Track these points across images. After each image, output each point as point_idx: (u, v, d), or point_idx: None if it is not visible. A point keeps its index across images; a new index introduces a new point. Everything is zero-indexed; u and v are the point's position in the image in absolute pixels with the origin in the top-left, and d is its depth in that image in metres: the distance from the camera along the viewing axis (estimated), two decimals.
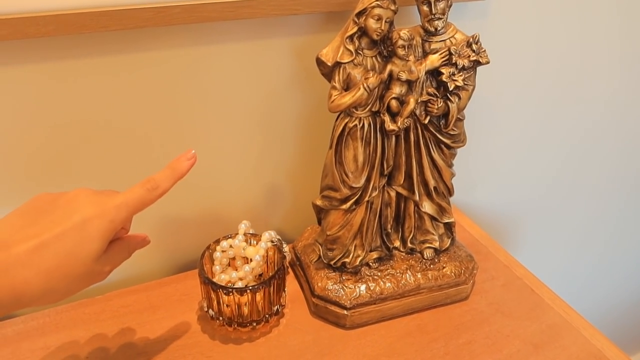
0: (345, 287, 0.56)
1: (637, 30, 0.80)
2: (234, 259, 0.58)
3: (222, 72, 0.57)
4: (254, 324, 0.54)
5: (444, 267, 0.59)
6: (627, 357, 0.54)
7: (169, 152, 0.59)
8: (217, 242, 0.57)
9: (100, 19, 0.46)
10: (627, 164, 0.99)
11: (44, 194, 0.41)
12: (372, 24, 0.47)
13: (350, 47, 0.48)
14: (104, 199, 0.40)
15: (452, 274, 0.59)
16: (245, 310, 0.53)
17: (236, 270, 0.57)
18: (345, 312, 0.55)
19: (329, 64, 0.48)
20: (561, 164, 0.90)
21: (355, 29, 0.47)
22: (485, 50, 0.50)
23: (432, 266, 0.59)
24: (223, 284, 0.54)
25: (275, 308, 0.56)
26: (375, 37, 0.47)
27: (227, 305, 0.53)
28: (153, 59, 0.53)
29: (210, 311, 0.55)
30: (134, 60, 0.52)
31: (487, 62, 0.50)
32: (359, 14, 0.47)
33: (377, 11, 0.46)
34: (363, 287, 0.56)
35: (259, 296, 0.53)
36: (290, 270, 0.63)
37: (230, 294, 0.51)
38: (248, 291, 0.52)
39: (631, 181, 1.02)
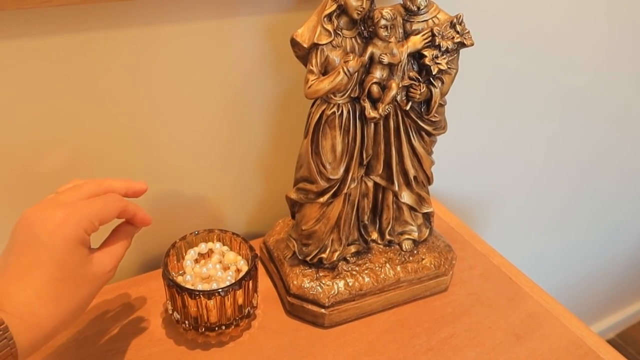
0: (323, 284, 0.53)
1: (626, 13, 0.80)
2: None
3: (184, 54, 0.51)
4: (223, 328, 0.50)
5: (423, 259, 0.57)
6: (605, 343, 0.54)
7: (124, 142, 0.53)
8: (183, 238, 0.53)
9: None
10: (600, 153, 1.00)
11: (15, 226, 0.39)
12: (352, 1, 0.42)
13: (329, 27, 0.43)
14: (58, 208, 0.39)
15: (432, 265, 0.57)
16: (214, 314, 0.49)
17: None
18: (323, 310, 0.52)
19: (305, 45, 0.44)
20: (535, 152, 0.90)
21: (334, 6, 0.43)
22: (469, 32, 0.47)
23: (411, 258, 0.57)
24: (191, 285, 0.49)
25: (247, 310, 0.51)
26: (355, 15, 0.43)
27: (194, 309, 0.48)
28: (106, 39, 0.47)
29: (175, 314, 0.50)
30: (83, 41, 0.46)
31: (472, 44, 0.47)
32: None
33: None
34: (341, 283, 0.53)
35: (228, 299, 0.48)
36: (261, 266, 0.59)
37: (197, 297, 0.47)
38: (216, 295, 0.47)
39: (602, 171, 1.04)
